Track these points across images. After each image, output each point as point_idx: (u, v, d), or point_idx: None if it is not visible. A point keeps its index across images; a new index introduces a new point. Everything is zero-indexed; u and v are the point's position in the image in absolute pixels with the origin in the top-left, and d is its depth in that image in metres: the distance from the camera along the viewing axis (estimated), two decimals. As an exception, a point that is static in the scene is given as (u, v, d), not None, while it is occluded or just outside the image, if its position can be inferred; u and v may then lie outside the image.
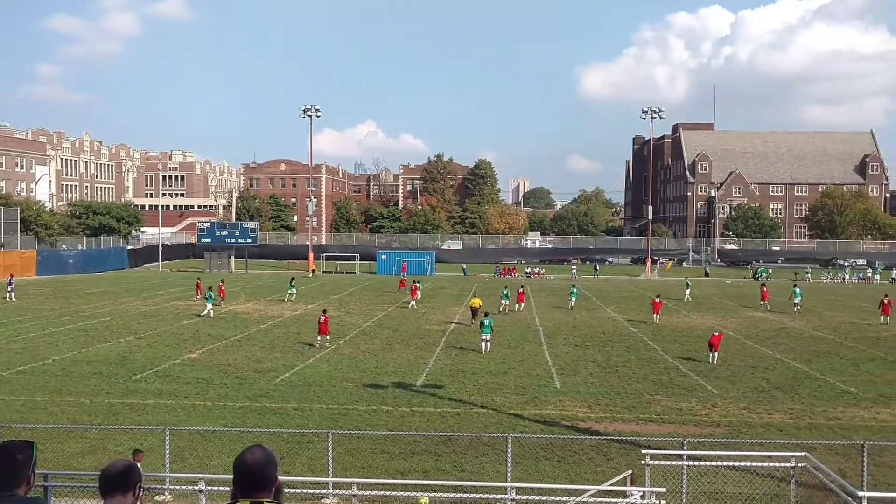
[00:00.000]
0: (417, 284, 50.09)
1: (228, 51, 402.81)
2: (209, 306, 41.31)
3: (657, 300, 42.33)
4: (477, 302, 40.65)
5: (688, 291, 53.77)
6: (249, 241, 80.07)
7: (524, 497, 13.35)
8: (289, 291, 50.58)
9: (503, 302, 45.62)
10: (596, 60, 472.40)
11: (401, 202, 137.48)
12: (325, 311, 33.94)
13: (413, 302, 47.57)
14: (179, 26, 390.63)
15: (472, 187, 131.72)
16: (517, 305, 46.07)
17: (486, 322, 31.46)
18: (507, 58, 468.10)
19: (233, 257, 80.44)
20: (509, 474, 13.93)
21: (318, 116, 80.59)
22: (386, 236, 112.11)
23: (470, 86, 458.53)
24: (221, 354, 29.91)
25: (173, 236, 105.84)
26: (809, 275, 78.25)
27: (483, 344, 30.97)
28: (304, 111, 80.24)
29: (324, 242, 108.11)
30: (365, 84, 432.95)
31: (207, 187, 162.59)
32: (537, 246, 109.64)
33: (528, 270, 79.67)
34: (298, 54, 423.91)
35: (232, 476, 3.93)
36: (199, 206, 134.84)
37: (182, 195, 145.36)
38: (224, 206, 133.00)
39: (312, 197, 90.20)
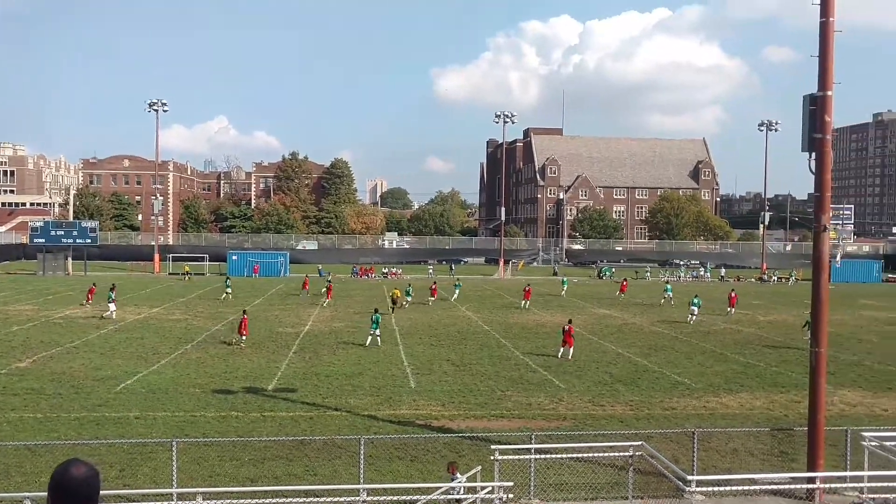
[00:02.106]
0: (331, 283, 53.23)
1: (66, 39, 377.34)
2: (112, 308, 40.70)
3: (528, 288, 49.81)
4: (397, 292, 46.19)
5: (565, 288, 58.95)
6: (88, 241, 75.33)
7: (376, 498, 13.31)
8: (226, 291, 51.41)
9: (407, 298, 48.49)
10: (452, 64, 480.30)
11: (253, 201, 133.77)
12: (244, 312, 34.96)
13: (327, 301, 49.05)
14: (7, 11, 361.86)
15: (329, 187, 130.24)
16: (430, 299, 50.97)
17: (374, 318, 33.30)
18: (364, 57, 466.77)
19: (70, 259, 75.36)
20: (362, 476, 13.84)
21: (164, 111, 77.19)
22: (237, 236, 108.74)
23: (327, 84, 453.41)
24: (56, 362, 27.93)
25: (2, 236, 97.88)
26: (649, 273, 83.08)
27: (369, 338, 32.50)
28: (150, 105, 76.55)
29: (171, 243, 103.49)
30: (216, 78, 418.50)
31: (41, 184, 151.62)
32: (394, 246, 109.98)
33: (385, 271, 79.79)
34: (144, 46, 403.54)
35: (49, 494, 3.55)
36: (32, 204, 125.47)
37: (12, 192, 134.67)
38: (60, 205, 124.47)
39: (158, 195, 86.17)
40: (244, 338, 32.18)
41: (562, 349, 30.50)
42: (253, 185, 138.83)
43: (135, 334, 35.11)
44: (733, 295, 47.72)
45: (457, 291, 54.61)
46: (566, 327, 31.25)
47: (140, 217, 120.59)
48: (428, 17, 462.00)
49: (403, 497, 13.79)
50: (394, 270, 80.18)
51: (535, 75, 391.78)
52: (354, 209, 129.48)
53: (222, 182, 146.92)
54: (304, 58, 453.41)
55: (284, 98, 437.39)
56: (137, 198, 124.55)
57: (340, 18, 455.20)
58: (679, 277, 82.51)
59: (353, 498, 13.31)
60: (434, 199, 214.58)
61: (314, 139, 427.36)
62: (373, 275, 77.59)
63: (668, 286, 55.91)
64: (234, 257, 77.92)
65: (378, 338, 32.67)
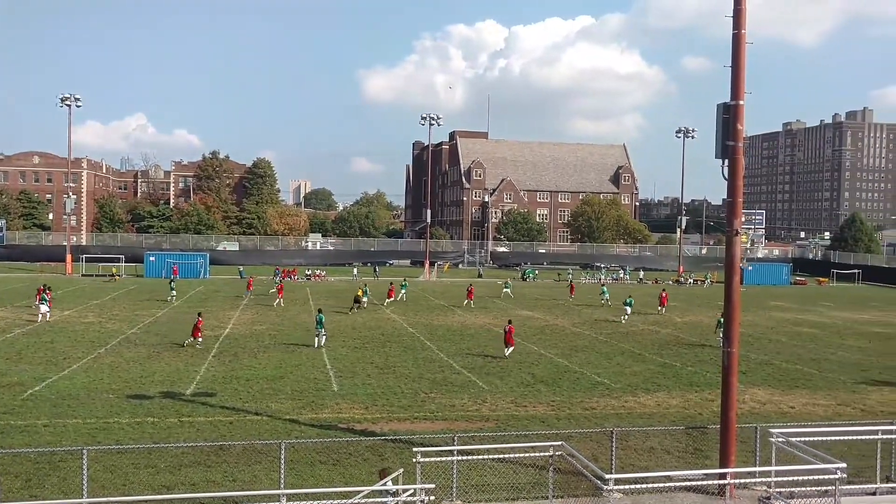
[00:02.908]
0: (282, 283, 54.61)
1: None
2: (43, 308, 39.74)
3: (471, 287, 53.17)
4: (360, 292, 48.53)
5: (507, 290, 60.26)
6: (-5, 240, 71.88)
7: (298, 503, 13.10)
8: (171, 294, 50.76)
9: (364, 298, 49.10)
10: (378, 65, 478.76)
11: (172, 201, 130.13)
12: (199, 314, 34.83)
13: (279, 301, 49.63)
14: None
15: (251, 187, 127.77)
16: (387, 300, 51.89)
17: (318, 318, 33.55)
18: (289, 56, 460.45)
19: (-26, 259, 71.73)
20: (282, 481, 13.61)
21: (78, 106, 74.30)
22: (155, 237, 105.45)
23: (250, 82, 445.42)
24: (-44, 368, 26.52)
25: None
26: (571, 276, 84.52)
27: (316, 339, 32.89)
28: (62, 100, 73.59)
29: (84, 243, 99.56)
30: (134, 74, 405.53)
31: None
32: (318, 248, 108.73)
33: (309, 273, 78.83)
34: (56, 38, 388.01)
35: None
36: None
37: None
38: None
39: (71, 193, 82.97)
40: (199, 340, 32.32)
41: (507, 349, 31.46)
42: (172, 185, 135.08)
43: (44, 338, 33.67)
44: (664, 294, 51.43)
45: (403, 291, 54.97)
46: (507, 328, 32.02)
47: (51, 216, 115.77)
48: (353, 18, 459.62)
49: (325, 501, 13.62)
50: (317, 272, 79.27)
51: (461, 78, 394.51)
52: (277, 210, 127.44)
53: (140, 181, 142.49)
54: (226, 55, 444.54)
55: (206, 96, 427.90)
56: (48, 196, 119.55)
57: (264, 15, 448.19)
58: (600, 279, 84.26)
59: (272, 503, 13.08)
60: (359, 200, 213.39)
61: (236, 138, 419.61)
62: (296, 277, 76.51)
63: (605, 288, 59.20)
64: (152, 258, 75.58)
65: (324, 337, 33.17)
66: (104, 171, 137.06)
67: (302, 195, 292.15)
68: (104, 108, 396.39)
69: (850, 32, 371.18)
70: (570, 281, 67.26)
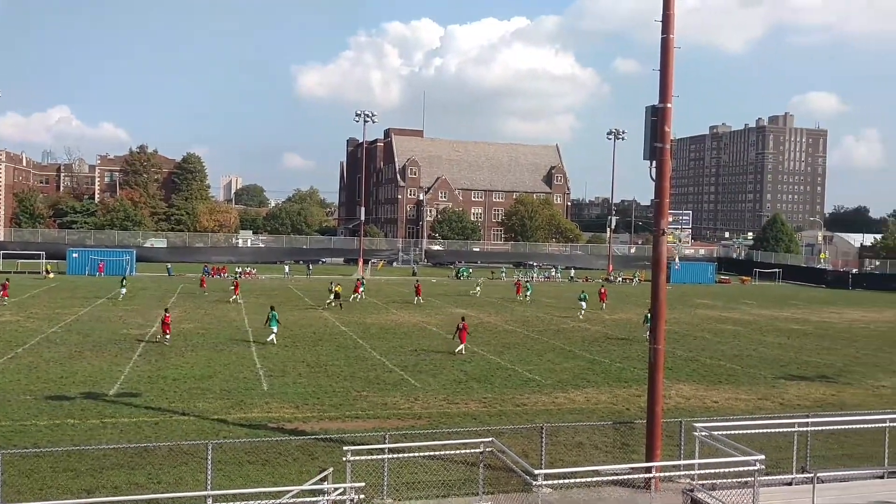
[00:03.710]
0: (238, 280, 55.94)
1: None
2: None
3: (417, 284, 55.15)
4: (339, 288, 49.36)
5: (478, 288, 62.10)
6: None
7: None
8: (119, 291, 50.08)
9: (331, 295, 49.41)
10: (312, 61, 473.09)
11: (97, 196, 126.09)
12: (167, 310, 34.27)
13: (236, 297, 50.06)
14: None
15: (180, 182, 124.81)
16: (353, 296, 52.53)
17: (272, 315, 33.64)
18: (220, 50, 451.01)
19: None
20: (209, 482, 13.32)
21: (-4, 96, 71.33)
22: (79, 232, 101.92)
23: (180, 75, 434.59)
24: None
25: None
26: (504, 274, 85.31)
27: (271, 335, 33.07)
28: (-21, 89, 70.54)
29: (1, 239, 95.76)
30: (58, 65, 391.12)
31: None
32: (249, 245, 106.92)
33: (239, 270, 77.44)
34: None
35: None
36: None
37: None
38: None
39: (-12, 187, 79.52)
40: (168, 336, 32.08)
41: (461, 345, 31.78)
42: (97, 179, 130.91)
43: (-43, 338, 32.21)
44: (603, 291, 54.38)
45: (361, 291, 54.67)
46: (460, 324, 32.35)
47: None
48: (288, 12, 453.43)
49: (254, 502, 13.38)
50: (248, 270, 77.96)
51: (396, 76, 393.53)
52: (207, 206, 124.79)
53: (63, 175, 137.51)
54: (156, 46, 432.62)
55: (133, 89, 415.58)
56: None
57: (196, 6, 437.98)
58: (532, 278, 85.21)
59: (199, 506, 12.79)
60: (292, 197, 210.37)
61: (165, 133, 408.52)
62: (225, 274, 75.09)
63: (529, 285, 60.87)
64: (75, 255, 73.18)
65: (274, 336, 33.17)
66: (24, 164, 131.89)
67: (233, 191, 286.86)
68: (25, 100, 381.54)
69: (774, 41, 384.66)
70: (517, 279, 68.12)
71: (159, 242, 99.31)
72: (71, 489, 14.80)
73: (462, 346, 31.82)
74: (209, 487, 13.16)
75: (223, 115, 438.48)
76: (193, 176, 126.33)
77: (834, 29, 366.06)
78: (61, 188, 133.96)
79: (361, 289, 54.47)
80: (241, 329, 37.59)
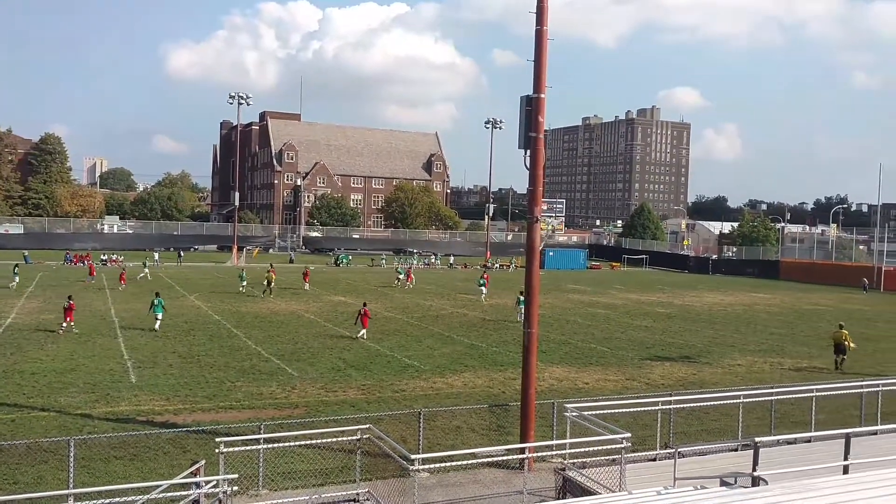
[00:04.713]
0: (124, 271, 53.36)
1: None
2: None
3: (307, 270, 56.15)
4: (272, 274, 49.41)
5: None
6: None
7: (89, 502, 12.21)
8: (14, 280, 48.23)
9: (243, 283, 49.96)
10: (184, 39, 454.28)
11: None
12: (70, 298, 32.90)
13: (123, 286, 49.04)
14: None
15: (38, 164, 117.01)
16: (305, 284, 53.26)
17: (157, 301, 33.06)
18: (83, 23, 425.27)
19: None
20: (71, 480, 12.65)
21: None
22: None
23: (38, 50, 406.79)
24: None
25: None
26: (384, 261, 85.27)
27: (157, 322, 32.75)
28: None
29: None
30: None
31: None
32: (115, 231, 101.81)
33: (104, 258, 73.69)
34: None
35: None
36: None
37: None
38: None
39: None
40: (72, 323, 31.70)
41: (362, 331, 32.13)
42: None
43: None
44: (486, 276, 54.36)
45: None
46: (362, 310, 32.65)
47: None
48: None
49: (122, 498, 12.81)
50: (114, 257, 74.31)
51: (273, 58, 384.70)
52: (69, 190, 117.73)
53: None
54: (10, 14, 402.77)
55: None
56: None
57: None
58: (411, 265, 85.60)
59: (59, 505, 12.12)
60: (162, 181, 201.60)
61: (20, 110, 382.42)
62: (89, 261, 71.24)
63: (402, 269, 62.25)
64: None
65: (158, 322, 32.85)
66: None
67: (97, 174, 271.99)
68: None
69: (643, 36, 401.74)
70: (410, 267, 68.96)
71: (15, 228, 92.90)
72: (-87, 494, 13.68)
73: (363, 332, 32.12)
74: (72, 486, 12.51)
75: (87, 93, 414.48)
76: (53, 157, 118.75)
77: (700, 29, 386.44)
78: None
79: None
80: (106, 319, 35.81)
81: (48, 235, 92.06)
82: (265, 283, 48.87)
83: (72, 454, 12.73)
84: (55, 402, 20.58)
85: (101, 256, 73.98)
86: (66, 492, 11.73)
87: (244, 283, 49.86)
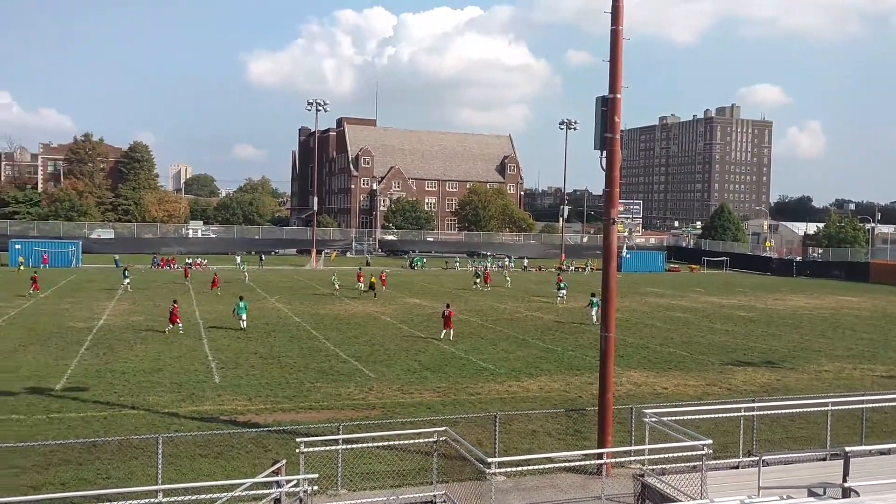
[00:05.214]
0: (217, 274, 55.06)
1: None
2: None
3: (383, 275, 55.93)
4: (374, 279, 51.36)
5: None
6: None
7: (175, 498, 12.65)
8: (124, 282, 49.86)
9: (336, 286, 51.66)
10: (262, 48, 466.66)
11: (40, 185, 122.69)
12: (175, 301, 34.80)
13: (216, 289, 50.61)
14: None
15: (127, 171, 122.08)
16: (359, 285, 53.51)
17: (241, 304, 34.39)
18: (168, 35, 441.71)
19: None
20: (160, 477, 13.14)
21: (-69, 82, 68.79)
22: (22, 223, 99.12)
23: (126, 61, 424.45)
24: None
25: None
26: (458, 263, 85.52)
27: (242, 322, 34.08)
28: (-87, 74, 67.92)
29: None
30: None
31: None
32: (199, 235, 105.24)
33: (189, 261, 76.22)
34: None
35: None
36: None
37: None
38: None
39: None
40: (180, 325, 33.16)
41: (444, 331, 32.91)
42: (40, 168, 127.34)
43: None
44: (560, 278, 55.36)
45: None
46: (446, 312, 33.31)
47: None
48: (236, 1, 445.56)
49: (206, 496, 13.23)
50: (198, 261, 76.77)
51: (349, 65, 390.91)
52: (156, 196, 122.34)
53: (3, 164, 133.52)
54: (101, 31, 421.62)
55: (78, 74, 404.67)
56: None
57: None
58: (486, 267, 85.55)
59: (149, 500, 12.57)
60: (243, 186, 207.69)
61: (111, 120, 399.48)
62: (175, 265, 73.84)
63: (480, 272, 62.56)
64: (18, 246, 71.14)
65: (244, 322, 34.11)
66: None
67: (182, 181, 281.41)
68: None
69: (721, 32, 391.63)
70: (486, 269, 69.11)
71: (106, 233, 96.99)
72: (15, 486, 14.43)
73: (447, 332, 32.83)
74: (160, 482, 12.99)
75: (171, 102, 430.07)
76: (141, 165, 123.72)
77: (779, 21, 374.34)
78: (2, 177, 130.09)
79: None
80: (192, 321, 37.03)
81: (137, 240, 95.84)
82: (368, 286, 51.39)
83: (160, 451, 13.21)
84: (144, 400, 21.40)
85: (186, 260, 76.54)
86: (155, 487, 12.17)
87: (337, 286, 51.80)
